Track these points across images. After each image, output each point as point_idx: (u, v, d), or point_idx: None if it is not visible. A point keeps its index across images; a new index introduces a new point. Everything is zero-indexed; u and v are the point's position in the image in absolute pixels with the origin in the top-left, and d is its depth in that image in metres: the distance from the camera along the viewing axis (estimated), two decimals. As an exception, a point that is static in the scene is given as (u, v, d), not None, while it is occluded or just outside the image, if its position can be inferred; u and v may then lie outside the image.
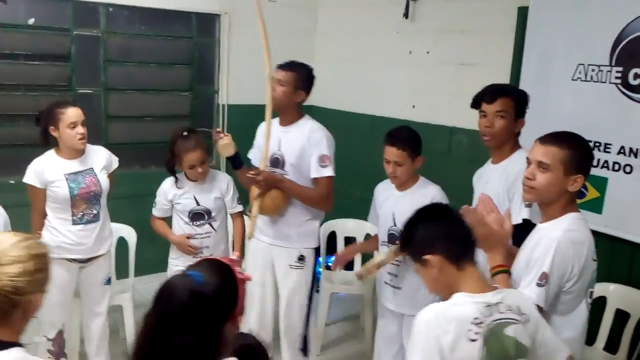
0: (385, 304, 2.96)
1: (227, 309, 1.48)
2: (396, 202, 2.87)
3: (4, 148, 4.07)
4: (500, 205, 2.31)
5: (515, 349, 1.60)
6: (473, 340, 1.53)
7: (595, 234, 2.94)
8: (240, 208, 3.35)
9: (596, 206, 3.17)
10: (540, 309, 1.87)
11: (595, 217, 3.13)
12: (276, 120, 3.10)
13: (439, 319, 1.55)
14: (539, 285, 1.88)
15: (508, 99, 2.51)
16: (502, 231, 2.00)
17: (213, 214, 3.25)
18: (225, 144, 3.05)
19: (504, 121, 2.50)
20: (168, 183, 3.28)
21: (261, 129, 3.22)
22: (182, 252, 3.24)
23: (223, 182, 3.31)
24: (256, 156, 3.22)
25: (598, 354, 3.12)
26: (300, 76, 2.99)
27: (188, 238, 3.22)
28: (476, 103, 2.59)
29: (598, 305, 3.12)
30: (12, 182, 3.92)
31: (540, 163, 1.97)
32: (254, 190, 2.96)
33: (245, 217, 3.39)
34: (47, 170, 3.02)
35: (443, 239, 1.66)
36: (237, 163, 3.12)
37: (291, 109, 3.04)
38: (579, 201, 3.09)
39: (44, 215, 3.09)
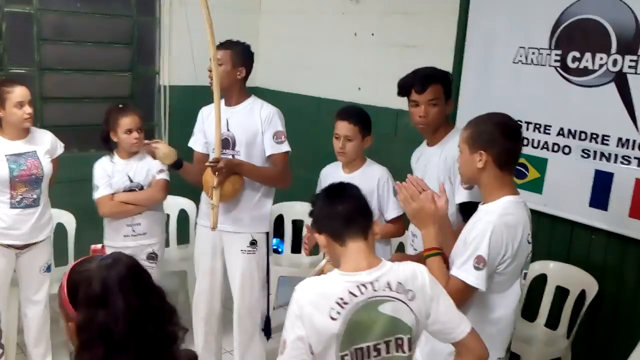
0: None
1: None
2: None
3: None
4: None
5: (387, 326, 1.63)
6: (333, 319, 1.58)
7: (536, 213, 3.04)
8: (163, 176, 3.21)
9: (536, 186, 3.25)
10: (474, 289, 1.94)
11: (536, 197, 3.21)
12: (222, 102, 3.03)
13: (311, 291, 1.62)
14: (476, 268, 1.92)
15: (437, 85, 2.51)
16: (433, 207, 2.04)
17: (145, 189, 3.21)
18: (165, 154, 2.98)
19: (438, 108, 2.51)
20: (103, 160, 3.21)
21: (202, 114, 3.17)
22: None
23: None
24: (200, 142, 3.16)
25: (539, 330, 3.22)
26: (237, 52, 2.97)
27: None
28: (405, 91, 2.57)
29: (538, 283, 3.22)
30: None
31: (458, 146, 2.08)
32: (209, 178, 2.89)
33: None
34: None
35: (325, 219, 1.74)
36: (179, 164, 3.05)
37: (235, 88, 3.01)
38: (520, 181, 3.21)
39: None
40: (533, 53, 3.23)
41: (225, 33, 3.04)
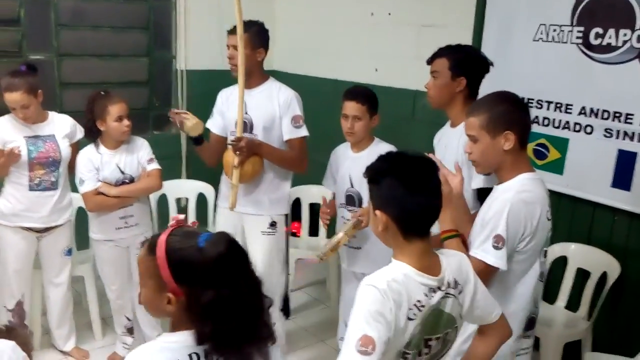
0: (347, 267, 2.97)
1: None
2: (353, 164, 2.87)
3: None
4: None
5: (445, 323, 1.62)
6: (410, 319, 1.52)
7: (556, 194, 3.00)
8: (155, 165, 3.16)
9: (557, 167, 3.20)
10: (495, 269, 1.90)
11: (557, 177, 3.16)
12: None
13: (393, 288, 1.49)
14: (496, 248, 1.89)
15: (442, 59, 2.50)
16: (448, 189, 1.97)
17: (136, 181, 3.13)
18: (195, 124, 2.96)
19: (437, 82, 2.51)
20: (88, 150, 3.07)
21: (222, 96, 3.17)
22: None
23: (142, 146, 3.16)
24: (218, 124, 3.16)
25: (559, 312, 3.18)
26: (254, 34, 2.94)
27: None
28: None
29: (559, 265, 3.18)
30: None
31: (469, 136, 2.00)
32: (230, 158, 2.90)
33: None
34: (6, 130, 3.00)
35: (398, 205, 1.54)
36: (200, 140, 3.05)
37: (255, 71, 3.00)
38: (540, 162, 3.16)
39: None
40: (554, 30, 3.16)
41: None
